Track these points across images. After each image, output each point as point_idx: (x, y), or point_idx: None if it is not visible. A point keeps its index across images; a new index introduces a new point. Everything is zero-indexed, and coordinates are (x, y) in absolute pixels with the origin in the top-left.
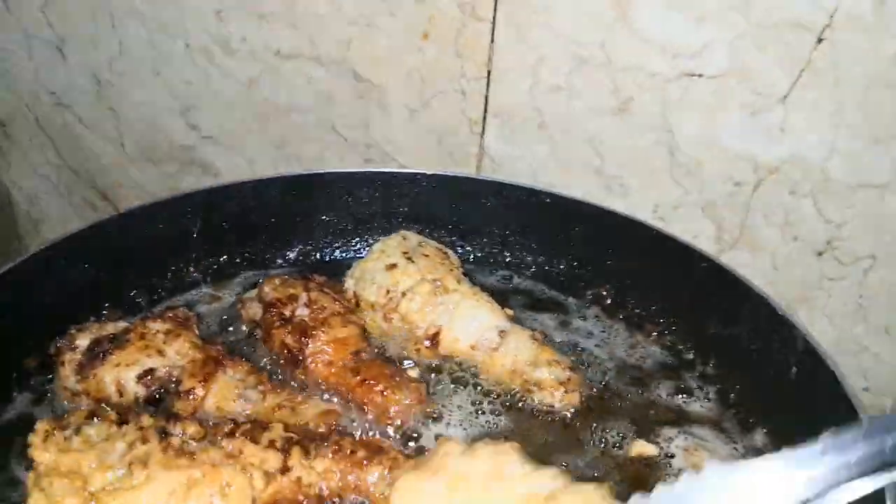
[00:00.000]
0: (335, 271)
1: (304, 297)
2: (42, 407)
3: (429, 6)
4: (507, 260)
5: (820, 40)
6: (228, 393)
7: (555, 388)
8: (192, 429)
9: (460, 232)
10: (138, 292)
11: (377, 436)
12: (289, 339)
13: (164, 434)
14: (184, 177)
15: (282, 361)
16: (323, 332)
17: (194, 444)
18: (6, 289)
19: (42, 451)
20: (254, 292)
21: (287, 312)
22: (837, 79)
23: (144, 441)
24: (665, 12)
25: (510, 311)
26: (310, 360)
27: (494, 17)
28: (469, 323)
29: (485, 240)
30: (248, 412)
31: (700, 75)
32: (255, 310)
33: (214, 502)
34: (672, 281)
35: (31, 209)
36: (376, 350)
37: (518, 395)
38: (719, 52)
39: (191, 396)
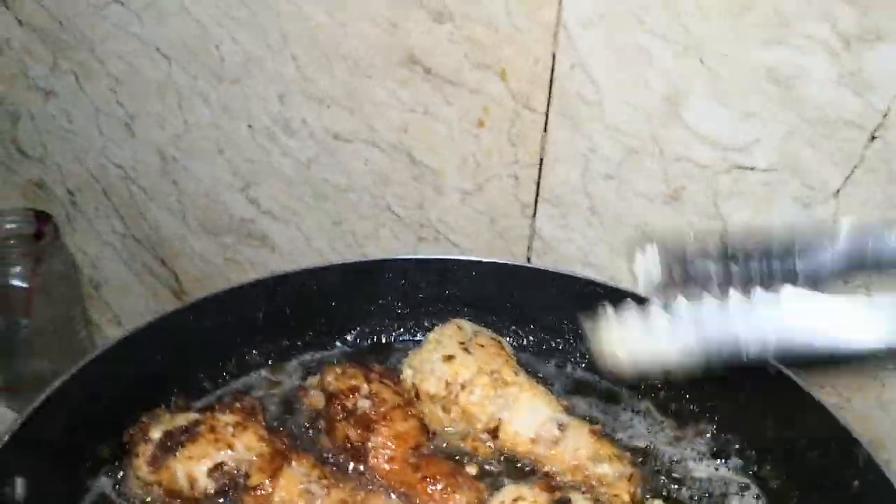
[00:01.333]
0: (391, 353)
1: (365, 388)
2: (115, 495)
3: (484, 97)
4: (561, 347)
5: (873, 138)
6: (294, 487)
7: (618, 485)
8: None
9: (513, 318)
10: (204, 377)
11: None
12: (352, 433)
13: None
14: (241, 248)
15: (344, 454)
16: (385, 426)
17: None
18: (82, 382)
19: None
20: (315, 380)
21: (349, 404)
22: (891, 175)
23: None
24: (715, 108)
25: (564, 403)
26: (372, 454)
27: (548, 109)
28: (528, 416)
29: (538, 326)
30: None
31: (751, 168)
32: (317, 399)
33: None
34: (728, 378)
35: (93, 273)
36: (435, 444)
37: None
38: (769, 147)
39: (259, 492)
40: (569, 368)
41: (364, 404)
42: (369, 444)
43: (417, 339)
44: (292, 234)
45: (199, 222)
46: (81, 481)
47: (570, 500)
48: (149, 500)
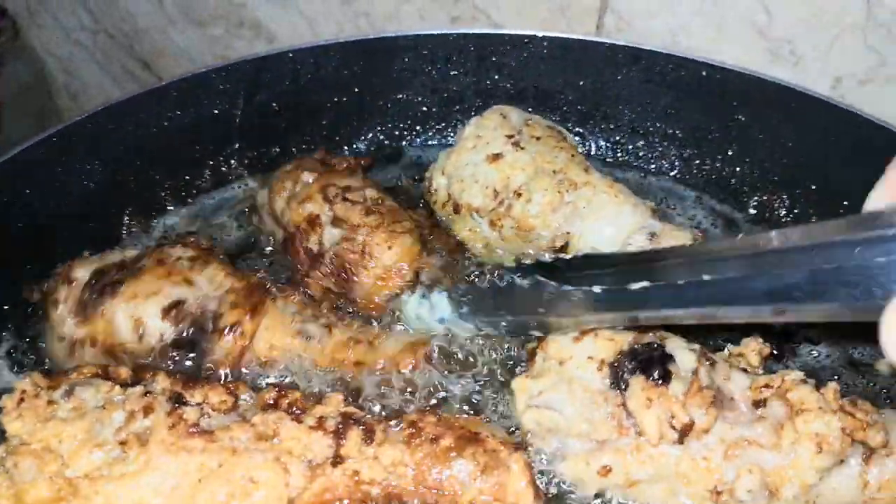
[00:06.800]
0: (415, 164)
1: (327, 212)
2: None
3: None
4: (641, 153)
5: None
6: (284, 328)
7: None
8: (217, 397)
9: (578, 114)
10: (167, 190)
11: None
12: (330, 284)
13: (177, 403)
14: (233, 41)
15: (333, 296)
16: (370, 262)
17: (216, 417)
18: None
19: (14, 420)
20: (264, 194)
21: (314, 246)
22: None
23: (148, 411)
24: None
25: (652, 204)
26: (361, 298)
27: None
28: (607, 225)
29: (611, 126)
30: (312, 351)
31: None
32: (270, 227)
33: None
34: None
35: (68, 81)
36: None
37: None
38: None
39: (237, 332)
40: (651, 179)
41: (332, 235)
42: (356, 290)
43: (449, 142)
44: (293, 20)
45: (179, 9)
46: None
47: (662, 348)
48: (75, 368)
